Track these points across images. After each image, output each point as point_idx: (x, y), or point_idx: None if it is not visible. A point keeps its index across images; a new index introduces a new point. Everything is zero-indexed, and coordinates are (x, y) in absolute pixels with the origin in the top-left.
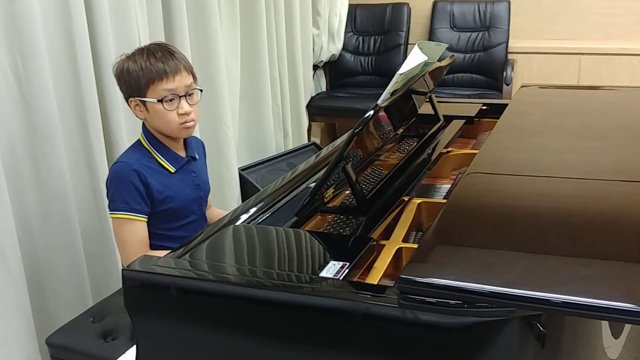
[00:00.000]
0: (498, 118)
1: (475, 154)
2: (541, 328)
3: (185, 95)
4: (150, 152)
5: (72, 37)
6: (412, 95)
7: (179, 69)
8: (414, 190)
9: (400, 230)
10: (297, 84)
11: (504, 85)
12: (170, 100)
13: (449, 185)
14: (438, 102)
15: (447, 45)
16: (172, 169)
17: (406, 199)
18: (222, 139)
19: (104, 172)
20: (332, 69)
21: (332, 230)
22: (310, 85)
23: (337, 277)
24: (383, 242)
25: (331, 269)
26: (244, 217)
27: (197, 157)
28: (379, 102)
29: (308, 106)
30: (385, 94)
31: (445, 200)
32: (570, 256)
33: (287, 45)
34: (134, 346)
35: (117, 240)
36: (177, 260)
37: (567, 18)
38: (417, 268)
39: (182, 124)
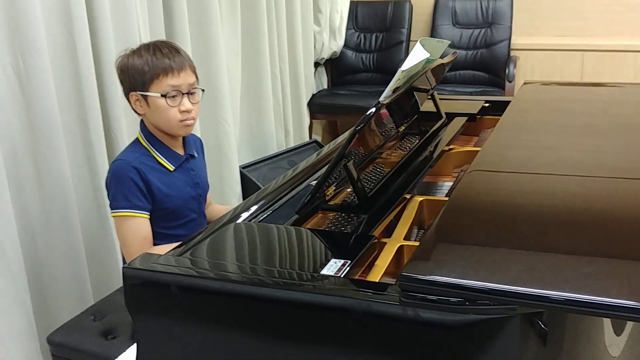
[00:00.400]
0: (500, 115)
1: (477, 151)
2: (543, 326)
3: (187, 93)
4: (149, 151)
5: (73, 36)
6: (414, 92)
7: (184, 66)
8: (416, 187)
9: (402, 228)
10: (298, 82)
11: (507, 82)
12: (173, 96)
13: (451, 183)
14: (440, 99)
15: (450, 42)
16: (171, 167)
17: (408, 196)
18: (222, 136)
19: (104, 171)
20: (333, 66)
21: (333, 228)
22: (311, 82)
23: (339, 275)
24: (384, 239)
25: (332, 267)
26: (245, 215)
27: (196, 154)
28: (380, 99)
29: (309, 104)
30: (387, 91)
31: (447, 198)
32: (573, 254)
33: (288, 43)
34: (135, 344)
35: (120, 239)
36: (178, 258)
37: (570, 14)
38: (418, 266)
39: (182, 122)
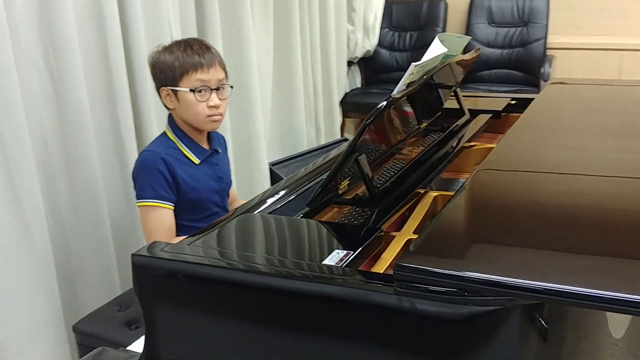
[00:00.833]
0: None
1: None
2: (543, 321)
3: (216, 89)
4: (175, 144)
5: (105, 33)
6: (438, 89)
7: (213, 63)
8: (433, 183)
9: (413, 222)
10: (330, 80)
11: (542, 82)
12: (202, 91)
13: None
14: (467, 96)
15: (470, 37)
16: (196, 161)
17: (422, 191)
18: (252, 133)
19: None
20: (367, 65)
21: (346, 221)
22: (343, 81)
23: (339, 265)
24: (394, 233)
25: (334, 257)
26: (259, 206)
27: (220, 150)
28: (393, 93)
29: (342, 102)
30: (400, 85)
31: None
32: (573, 250)
33: (321, 42)
34: None
35: (144, 228)
36: (185, 247)
37: (609, 13)
38: (414, 256)
39: (209, 116)
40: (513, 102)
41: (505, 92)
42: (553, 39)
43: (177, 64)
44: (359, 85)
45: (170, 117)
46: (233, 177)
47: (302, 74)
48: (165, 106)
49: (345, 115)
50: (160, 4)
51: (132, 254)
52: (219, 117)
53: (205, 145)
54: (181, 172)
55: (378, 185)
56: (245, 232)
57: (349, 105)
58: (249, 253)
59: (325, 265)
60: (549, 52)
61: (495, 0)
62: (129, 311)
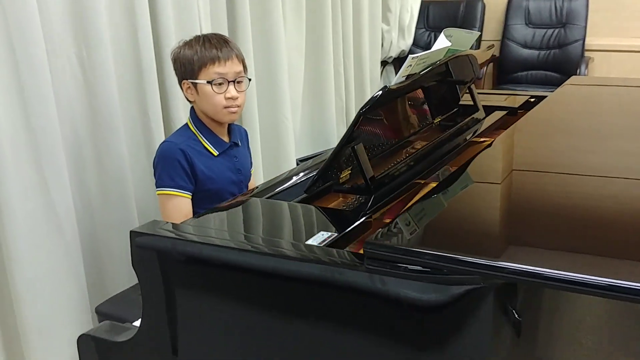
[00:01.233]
0: None
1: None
2: (514, 303)
3: (234, 82)
4: (196, 135)
5: (136, 29)
6: (455, 85)
7: (230, 56)
8: (435, 175)
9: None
10: (363, 80)
11: None
12: (220, 83)
13: None
14: (486, 93)
15: (479, 33)
16: (215, 152)
17: (422, 182)
18: (281, 130)
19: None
20: (402, 64)
21: (346, 208)
22: (377, 81)
23: (320, 245)
24: (388, 219)
25: (318, 238)
26: (263, 192)
27: (240, 144)
28: (391, 84)
29: None
30: (398, 77)
31: None
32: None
33: (354, 41)
34: None
35: (163, 215)
36: (180, 225)
37: None
38: (386, 235)
39: (227, 108)
40: (532, 99)
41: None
42: (591, 41)
43: (195, 58)
44: None
45: (192, 110)
46: (261, 172)
47: (333, 73)
48: (187, 99)
49: None
50: (190, 3)
51: (131, 231)
52: (237, 108)
53: (225, 138)
54: (199, 162)
55: (372, 174)
56: (240, 215)
57: None
58: (237, 232)
59: (302, 243)
60: (586, 54)
61: (533, 1)
62: None
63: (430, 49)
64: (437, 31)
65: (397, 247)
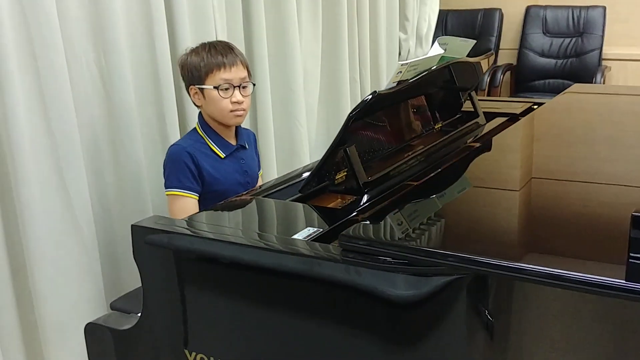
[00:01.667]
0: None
1: None
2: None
3: (239, 87)
4: (203, 139)
5: (153, 37)
6: (458, 92)
7: (235, 62)
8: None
9: None
10: (379, 87)
11: None
12: (226, 89)
13: None
14: (489, 100)
15: (475, 41)
16: (222, 155)
17: (415, 183)
18: (296, 137)
19: None
20: None
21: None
22: None
23: (304, 239)
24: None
25: (304, 233)
26: (261, 192)
27: (247, 147)
28: (380, 90)
29: None
30: (389, 83)
31: None
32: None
33: (371, 49)
34: None
35: (170, 215)
36: (178, 220)
37: None
38: (361, 228)
39: (233, 112)
40: (535, 106)
41: None
42: (608, 50)
43: (202, 64)
44: None
45: (200, 114)
46: (275, 176)
47: (349, 80)
48: (195, 104)
49: None
50: (207, 13)
51: (132, 225)
52: (242, 112)
53: (232, 141)
54: (206, 164)
55: (365, 175)
56: (236, 211)
57: None
58: (228, 227)
59: (285, 237)
60: (605, 63)
61: (551, 10)
62: None
63: None
64: None
65: (372, 239)
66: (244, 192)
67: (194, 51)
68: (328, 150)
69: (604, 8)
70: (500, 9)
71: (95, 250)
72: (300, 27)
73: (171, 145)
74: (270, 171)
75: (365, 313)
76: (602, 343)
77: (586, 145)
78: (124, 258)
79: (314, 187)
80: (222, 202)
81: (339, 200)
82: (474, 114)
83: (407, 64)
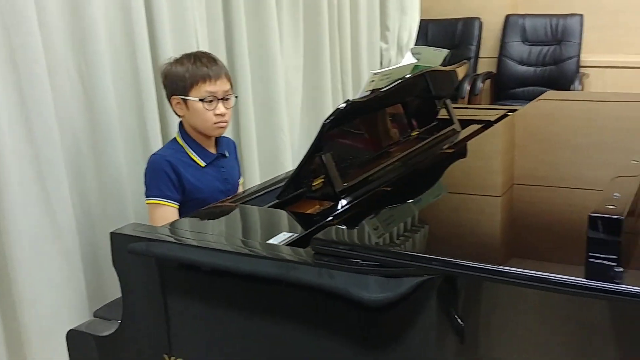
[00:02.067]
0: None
1: None
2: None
3: (222, 99)
4: (183, 148)
5: (134, 46)
6: (434, 100)
7: (220, 75)
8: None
9: None
10: None
11: None
12: (210, 101)
13: None
14: (464, 108)
15: (449, 50)
16: (202, 163)
17: (389, 189)
18: (279, 146)
19: None
20: None
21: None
22: None
23: (279, 244)
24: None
25: (279, 238)
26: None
27: (227, 155)
28: (354, 98)
29: None
30: (362, 91)
31: None
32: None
33: (352, 59)
34: None
35: (151, 223)
36: (154, 227)
37: None
38: (334, 231)
39: (216, 124)
40: (509, 113)
41: None
42: (586, 57)
43: (187, 75)
44: None
45: (180, 124)
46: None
47: (331, 91)
48: (176, 113)
49: None
50: (188, 21)
51: (111, 232)
52: (225, 124)
53: (212, 150)
54: (186, 173)
55: (341, 182)
56: (214, 217)
57: None
58: (205, 232)
59: (259, 242)
60: (582, 70)
61: (529, 19)
62: None
63: None
64: None
65: (343, 242)
66: (224, 199)
67: (178, 61)
68: (304, 157)
69: (581, 16)
70: (479, 18)
71: (77, 256)
72: (282, 37)
73: (152, 155)
74: (254, 180)
75: (338, 315)
76: (569, 341)
77: (564, 150)
78: (107, 264)
79: (291, 193)
80: (202, 209)
81: (317, 206)
82: (450, 122)
83: (379, 73)
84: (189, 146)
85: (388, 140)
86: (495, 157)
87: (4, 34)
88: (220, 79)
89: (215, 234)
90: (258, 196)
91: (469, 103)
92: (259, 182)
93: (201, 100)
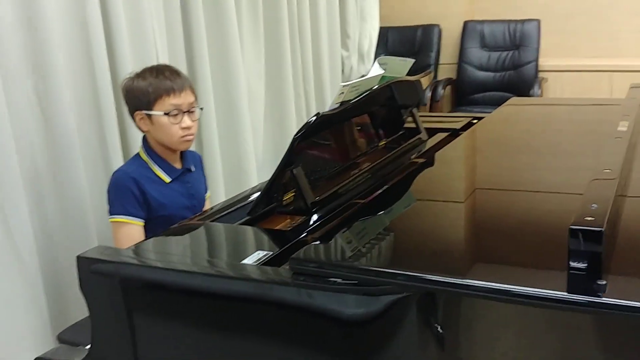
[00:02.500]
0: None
1: None
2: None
3: (187, 112)
4: (147, 164)
5: (92, 61)
6: (400, 109)
7: (184, 87)
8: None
9: None
10: (324, 104)
11: None
12: (175, 114)
13: None
14: (430, 117)
15: (414, 60)
16: (167, 179)
17: (362, 201)
18: (242, 155)
19: None
20: None
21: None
22: None
23: (254, 264)
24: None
25: (254, 257)
26: (208, 216)
27: (193, 169)
28: (323, 111)
29: None
30: (332, 104)
31: None
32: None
33: (314, 67)
34: None
35: (115, 243)
36: (122, 250)
37: (601, 35)
38: (311, 250)
39: (182, 137)
40: (475, 121)
41: None
42: (544, 62)
43: (150, 90)
44: None
45: (144, 139)
46: (223, 197)
47: (294, 98)
48: (140, 129)
49: None
50: (147, 33)
51: (77, 256)
52: (191, 137)
53: (178, 165)
54: (151, 190)
55: (313, 196)
56: (180, 238)
57: None
58: (175, 255)
59: (235, 263)
60: (541, 75)
61: (487, 25)
62: None
63: None
64: (396, 56)
65: (321, 261)
66: (192, 217)
67: (140, 75)
68: (275, 172)
69: (538, 21)
70: (438, 25)
71: (39, 280)
72: (243, 46)
73: (115, 171)
74: (218, 190)
75: (318, 334)
76: (551, 354)
77: (526, 155)
78: (70, 287)
79: (262, 209)
80: (170, 228)
81: (288, 220)
82: (416, 130)
83: (348, 85)
84: (153, 161)
85: (357, 151)
86: (466, 164)
87: None
88: (184, 91)
89: (187, 255)
90: (227, 213)
91: (430, 109)
92: (224, 194)
93: (166, 114)
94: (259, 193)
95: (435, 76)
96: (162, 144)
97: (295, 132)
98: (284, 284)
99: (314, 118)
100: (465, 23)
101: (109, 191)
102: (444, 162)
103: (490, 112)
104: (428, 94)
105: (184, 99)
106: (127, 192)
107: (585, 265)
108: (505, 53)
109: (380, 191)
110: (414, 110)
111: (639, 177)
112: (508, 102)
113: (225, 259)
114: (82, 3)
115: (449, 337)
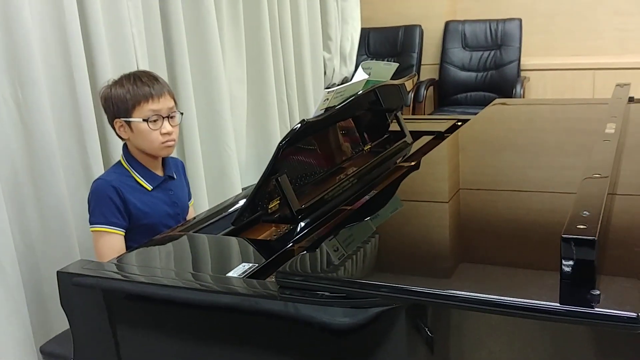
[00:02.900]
0: None
1: None
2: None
3: (167, 117)
4: (128, 172)
5: (71, 68)
6: (384, 113)
7: (163, 92)
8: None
9: None
10: (307, 108)
11: None
12: (155, 120)
13: None
14: (414, 120)
15: (398, 64)
16: (149, 187)
17: (349, 208)
18: (225, 160)
19: None
20: None
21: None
22: None
23: (240, 277)
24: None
25: (239, 270)
26: (191, 226)
27: (175, 176)
28: (308, 118)
29: None
30: (317, 110)
31: None
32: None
33: (296, 70)
34: None
35: (96, 253)
36: (105, 263)
37: (583, 34)
38: (298, 262)
39: (163, 143)
40: (459, 123)
41: None
42: (526, 61)
43: (128, 97)
44: None
45: (125, 146)
46: (206, 203)
47: (277, 102)
48: (120, 137)
49: None
50: (127, 39)
51: (58, 271)
52: (172, 142)
53: (159, 172)
54: (133, 198)
55: (298, 204)
56: (163, 250)
57: None
58: (159, 268)
59: (220, 276)
60: (523, 74)
61: (469, 25)
62: None
63: None
64: (378, 57)
65: (308, 274)
66: (175, 227)
67: (118, 83)
68: (259, 181)
69: (520, 20)
70: (420, 25)
71: (20, 291)
72: (224, 51)
73: (95, 180)
74: (201, 196)
75: (306, 347)
76: None
77: (511, 154)
78: (52, 298)
79: (247, 218)
80: (153, 239)
81: (274, 229)
82: (401, 134)
83: (333, 91)
84: (134, 169)
85: (342, 156)
86: (451, 165)
87: None
88: (163, 96)
89: (171, 268)
90: (211, 223)
91: (413, 110)
92: (207, 200)
93: (145, 120)
94: (243, 201)
95: (418, 77)
96: (143, 151)
97: (278, 137)
98: (270, 297)
99: (299, 125)
100: (447, 23)
101: (90, 200)
102: (431, 166)
103: (473, 112)
104: (410, 94)
105: (162, 104)
106: (107, 201)
107: (578, 274)
108: (487, 53)
109: (366, 197)
110: (399, 114)
111: (627, 181)
112: (493, 102)
113: (210, 272)
114: (60, 9)
115: (437, 348)
